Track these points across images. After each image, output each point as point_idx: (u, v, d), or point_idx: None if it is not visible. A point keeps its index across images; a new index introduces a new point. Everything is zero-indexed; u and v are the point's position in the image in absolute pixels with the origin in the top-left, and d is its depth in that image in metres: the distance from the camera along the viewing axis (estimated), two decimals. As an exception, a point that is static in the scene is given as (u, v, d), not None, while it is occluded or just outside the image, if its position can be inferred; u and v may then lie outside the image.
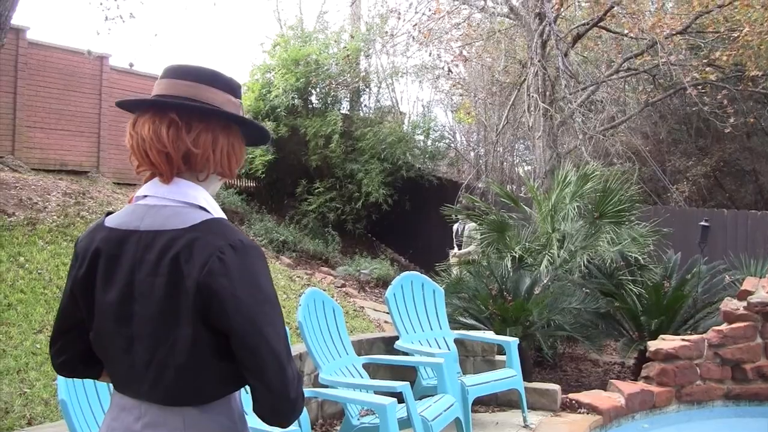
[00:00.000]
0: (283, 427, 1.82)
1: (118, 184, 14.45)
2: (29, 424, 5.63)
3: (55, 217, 10.73)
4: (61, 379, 3.37)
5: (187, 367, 1.72)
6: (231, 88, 1.90)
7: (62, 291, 1.95)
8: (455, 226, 12.29)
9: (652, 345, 6.78)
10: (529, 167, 19.08)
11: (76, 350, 1.95)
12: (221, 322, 1.69)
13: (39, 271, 8.80)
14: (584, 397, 6.53)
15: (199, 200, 1.82)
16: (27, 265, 8.86)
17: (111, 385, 1.91)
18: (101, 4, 12.83)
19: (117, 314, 1.77)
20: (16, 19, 5.25)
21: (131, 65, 15.96)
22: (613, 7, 12.56)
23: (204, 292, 1.68)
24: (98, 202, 12.02)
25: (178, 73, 1.88)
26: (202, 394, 1.77)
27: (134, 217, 1.81)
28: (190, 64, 1.91)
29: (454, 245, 12.27)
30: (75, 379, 2.06)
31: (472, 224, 11.47)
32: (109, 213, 1.89)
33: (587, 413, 6.27)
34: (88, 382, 3.60)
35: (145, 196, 1.84)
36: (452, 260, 11.46)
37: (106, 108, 14.74)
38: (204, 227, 1.74)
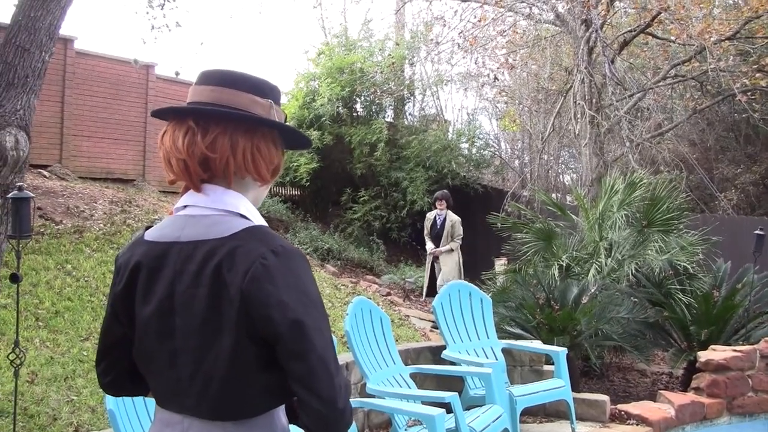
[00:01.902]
0: None
1: (164, 192, 14.61)
2: (76, 431, 5.71)
3: (101, 225, 10.89)
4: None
5: (230, 379, 1.69)
6: (257, 88, 1.84)
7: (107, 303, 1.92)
8: (430, 215, 11.66)
9: (703, 355, 6.69)
10: (575, 175, 18.97)
11: (122, 368, 1.92)
12: (268, 330, 1.66)
13: (86, 279, 8.93)
14: (633, 408, 6.46)
15: (239, 208, 1.78)
16: (74, 273, 9.00)
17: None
18: (147, 13, 13.07)
19: (158, 328, 1.75)
20: (64, 29, 5.33)
21: (177, 74, 16.15)
22: (661, 13, 12.44)
23: (248, 299, 1.64)
24: (144, 210, 12.17)
25: (203, 78, 1.86)
26: (246, 408, 1.74)
27: (174, 229, 1.79)
28: (218, 68, 1.87)
29: (426, 237, 11.63)
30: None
31: (455, 216, 11.36)
32: (148, 227, 1.87)
33: (637, 425, 6.20)
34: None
35: (185, 206, 1.82)
36: (498, 269, 11.37)
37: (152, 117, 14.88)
38: (245, 235, 1.71)
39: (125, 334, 1.86)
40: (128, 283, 1.79)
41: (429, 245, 11.46)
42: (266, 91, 1.86)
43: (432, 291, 11.04)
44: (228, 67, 1.94)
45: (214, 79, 1.84)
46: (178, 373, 1.74)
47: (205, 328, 1.70)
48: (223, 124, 1.77)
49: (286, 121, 1.92)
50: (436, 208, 11.50)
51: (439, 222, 11.35)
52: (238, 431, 1.74)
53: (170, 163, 1.80)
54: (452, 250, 11.12)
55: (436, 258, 11.37)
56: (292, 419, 1.85)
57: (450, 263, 11.15)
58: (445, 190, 11.99)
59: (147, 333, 1.77)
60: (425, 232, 11.65)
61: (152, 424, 1.87)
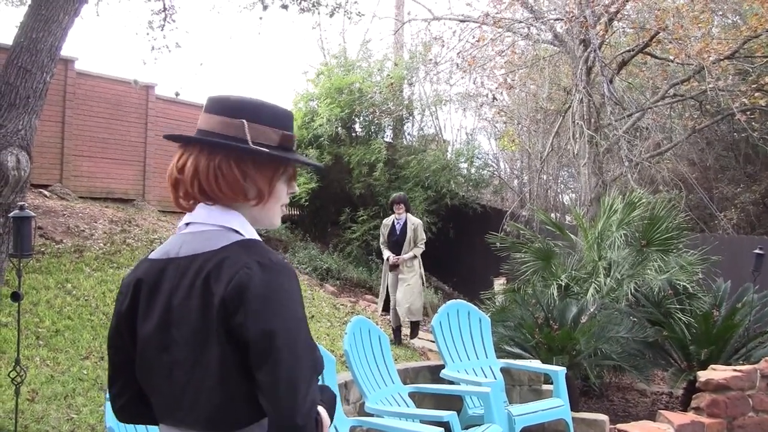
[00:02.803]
0: None
1: (163, 212, 14.64)
2: (77, 449, 5.71)
3: (101, 244, 10.91)
4: (108, 405, 3.41)
5: (219, 389, 1.72)
6: (228, 109, 1.89)
7: (109, 320, 1.95)
8: (387, 221, 10.51)
9: (702, 375, 6.67)
10: (574, 195, 19.00)
11: (134, 391, 1.93)
12: (241, 335, 1.69)
13: (86, 298, 8.94)
14: (633, 428, 6.43)
15: (232, 224, 1.84)
16: (74, 292, 9.01)
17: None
18: (147, 34, 13.09)
19: (157, 342, 1.79)
20: (65, 50, 5.38)
21: (177, 94, 16.21)
22: (659, 33, 12.51)
23: (227, 306, 1.69)
24: (144, 230, 12.20)
25: (206, 107, 1.95)
26: (236, 418, 1.75)
27: (174, 246, 1.86)
28: (216, 94, 1.94)
29: (382, 245, 10.48)
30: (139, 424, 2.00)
31: (416, 219, 10.62)
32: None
33: (636, 444, 6.17)
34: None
35: (187, 224, 1.89)
36: (497, 288, 11.34)
37: (152, 137, 15.00)
38: (235, 247, 1.78)
39: (131, 354, 1.88)
40: (131, 301, 1.85)
41: (386, 253, 10.32)
42: (234, 110, 1.89)
43: (387, 306, 10.49)
44: (224, 91, 2.01)
45: (207, 105, 1.93)
46: (173, 385, 1.78)
47: (195, 339, 1.74)
48: (190, 149, 1.88)
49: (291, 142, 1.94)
50: (393, 213, 10.42)
51: (398, 227, 10.29)
52: None
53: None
54: (415, 256, 10.14)
55: (394, 267, 10.20)
56: None
57: (413, 279, 10.11)
58: (403, 193, 11.07)
59: (147, 348, 1.81)
60: (381, 240, 10.52)
61: None
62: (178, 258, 1.82)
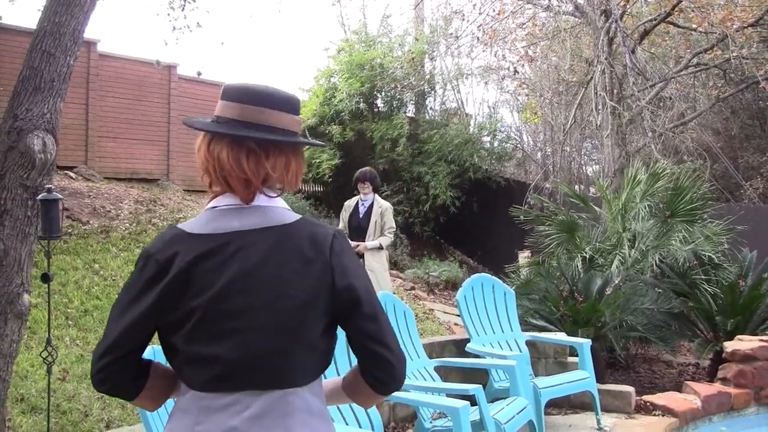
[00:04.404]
0: (397, 389, 1.97)
1: (188, 191, 14.74)
2: (107, 427, 5.80)
3: (127, 224, 11.02)
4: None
5: (311, 347, 1.87)
6: (293, 107, 2.01)
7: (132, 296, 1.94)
8: (350, 202, 8.65)
9: (729, 346, 6.67)
10: (597, 166, 18.89)
11: (127, 361, 1.92)
12: (350, 295, 1.87)
13: (113, 278, 9.05)
14: (659, 399, 6.45)
15: (281, 203, 1.97)
16: (101, 272, 9.12)
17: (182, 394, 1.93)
18: (168, 15, 13.12)
19: (231, 310, 1.83)
20: (87, 33, 5.41)
21: (199, 74, 16.22)
22: (681, 1, 12.37)
23: (334, 271, 1.87)
24: (169, 209, 12.28)
25: (244, 97, 1.97)
26: (307, 375, 1.88)
27: (226, 221, 1.90)
28: (254, 86, 1.98)
29: (343, 225, 8.49)
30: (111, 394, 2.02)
31: (385, 202, 8.63)
32: (174, 225, 1.95)
33: (662, 415, 6.19)
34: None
35: (226, 205, 1.93)
36: (521, 261, 11.31)
37: (175, 116, 15.04)
38: (308, 220, 1.96)
39: (152, 328, 1.90)
40: (183, 276, 1.84)
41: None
42: (297, 107, 2.03)
43: None
44: (259, 82, 2.04)
45: (257, 99, 1.96)
46: (255, 347, 1.83)
47: (285, 301, 1.84)
48: (280, 147, 1.96)
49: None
50: (357, 192, 8.55)
51: (362, 210, 8.42)
52: (298, 399, 1.87)
53: (224, 179, 1.93)
54: (381, 247, 8.23)
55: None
56: (351, 386, 2.04)
57: (378, 268, 8.09)
58: (370, 169, 8.93)
59: (209, 317, 1.83)
60: (341, 225, 8.59)
61: (181, 415, 1.89)
62: (242, 230, 1.88)
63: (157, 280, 1.86)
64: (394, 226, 8.57)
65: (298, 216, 1.95)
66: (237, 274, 1.84)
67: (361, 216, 8.38)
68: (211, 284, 1.83)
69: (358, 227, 8.30)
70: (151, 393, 1.98)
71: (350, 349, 1.98)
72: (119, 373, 1.91)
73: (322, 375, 1.97)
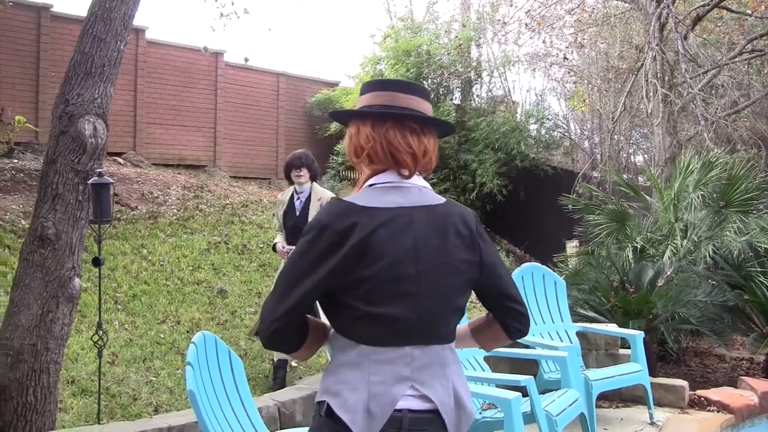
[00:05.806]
0: (525, 335, 2.36)
1: (234, 177, 14.80)
2: (156, 411, 5.83)
3: (175, 210, 11.09)
4: (189, 370, 3.47)
5: (459, 309, 2.21)
6: (428, 95, 2.37)
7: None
8: (284, 196, 6.78)
9: (786, 340, 6.49)
10: (647, 155, 18.62)
11: (302, 320, 2.18)
12: (491, 259, 2.26)
13: (161, 263, 9.11)
14: (714, 394, 6.31)
15: (428, 185, 2.28)
16: (150, 257, 9.19)
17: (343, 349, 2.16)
18: (216, 1, 13.14)
19: (406, 275, 2.10)
20: (136, 20, 5.42)
21: (246, 60, 16.20)
22: (736, -14, 12.08)
23: (482, 249, 2.24)
24: (216, 196, 12.34)
25: (394, 86, 2.31)
26: (453, 333, 2.24)
27: (392, 196, 2.17)
28: (396, 79, 2.33)
29: (278, 225, 6.80)
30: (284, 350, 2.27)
31: (327, 192, 6.71)
32: (339, 198, 2.21)
33: (718, 411, 6.05)
34: (215, 372, 3.76)
35: (388, 182, 2.21)
36: (569, 251, 11.16)
37: (222, 103, 15.13)
38: (454, 202, 2.29)
39: (324, 291, 2.12)
40: (362, 244, 2.07)
41: (279, 242, 6.61)
42: (430, 97, 2.39)
43: None
44: (388, 74, 2.31)
45: (406, 88, 2.31)
46: (423, 308, 2.12)
47: (449, 269, 2.17)
48: (429, 128, 2.29)
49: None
50: (291, 181, 6.70)
51: (298, 206, 6.58)
52: (449, 353, 2.21)
53: (391, 154, 2.21)
54: None
55: None
56: (483, 333, 2.40)
57: None
58: (305, 151, 6.89)
59: (390, 280, 2.09)
60: (276, 224, 7.09)
61: (352, 369, 2.11)
62: (408, 206, 2.16)
63: (334, 248, 2.08)
64: None
65: (444, 198, 2.25)
66: (410, 244, 2.12)
67: (297, 213, 6.54)
68: (387, 252, 2.09)
69: (295, 228, 6.37)
70: (308, 345, 2.23)
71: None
72: (291, 333, 2.16)
73: None
